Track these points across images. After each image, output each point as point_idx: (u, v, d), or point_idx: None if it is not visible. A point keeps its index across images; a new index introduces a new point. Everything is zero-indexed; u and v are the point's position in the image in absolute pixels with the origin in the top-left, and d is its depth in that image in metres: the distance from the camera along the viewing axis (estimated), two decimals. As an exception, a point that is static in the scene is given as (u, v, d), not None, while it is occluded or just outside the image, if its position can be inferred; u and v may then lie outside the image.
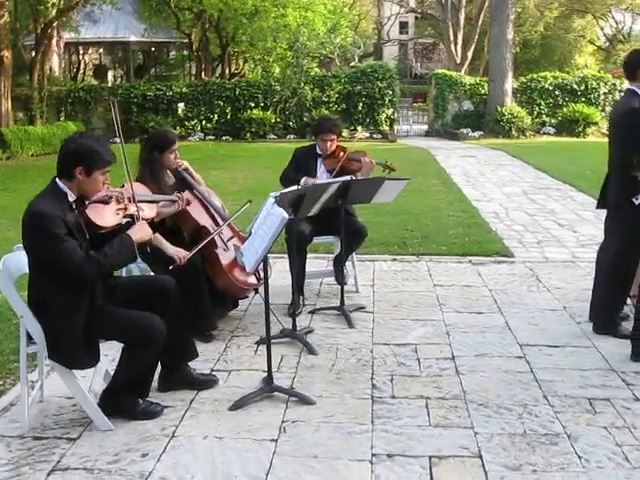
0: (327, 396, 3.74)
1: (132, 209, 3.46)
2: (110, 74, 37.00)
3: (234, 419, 3.51)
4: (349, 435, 3.32)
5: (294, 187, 4.24)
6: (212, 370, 4.13)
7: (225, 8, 20.19)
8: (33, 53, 20.45)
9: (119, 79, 34.54)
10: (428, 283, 5.80)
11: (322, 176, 5.29)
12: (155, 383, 3.83)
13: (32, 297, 3.30)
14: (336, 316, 5.01)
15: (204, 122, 21.49)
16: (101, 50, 36.46)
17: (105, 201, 3.41)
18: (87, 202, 3.34)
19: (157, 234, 4.50)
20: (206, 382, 3.87)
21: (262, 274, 4.76)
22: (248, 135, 20.50)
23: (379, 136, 20.42)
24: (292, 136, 20.40)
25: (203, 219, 4.69)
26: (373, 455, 3.14)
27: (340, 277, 5.44)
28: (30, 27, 21.16)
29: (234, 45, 23.26)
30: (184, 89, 21.45)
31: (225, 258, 4.62)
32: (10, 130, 16.07)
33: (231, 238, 4.76)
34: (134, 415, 3.50)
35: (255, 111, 20.73)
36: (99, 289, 3.43)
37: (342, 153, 5.28)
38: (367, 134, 20.47)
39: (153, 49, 32.81)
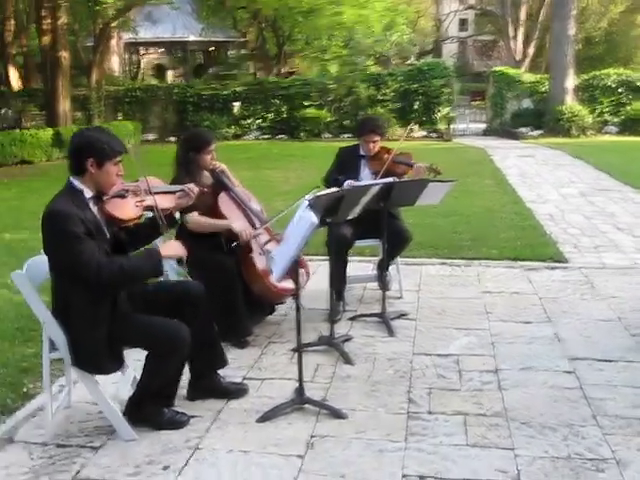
0: (360, 409, 3.57)
1: (150, 201, 3.37)
2: (170, 74, 37.55)
3: (261, 432, 3.36)
4: (380, 453, 3.14)
5: (332, 189, 4.07)
6: (244, 378, 4.01)
7: (280, 6, 20.14)
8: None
9: (178, 79, 34.97)
10: (476, 289, 5.56)
11: (366, 178, 5.10)
12: (184, 391, 3.75)
13: (54, 302, 3.22)
14: (377, 323, 4.83)
15: (259, 121, 21.57)
16: (161, 50, 37.09)
17: (122, 195, 3.33)
18: (105, 198, 3.25)
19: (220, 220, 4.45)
20: (236, 391, 3.75)
21: (299, 279, 4.65)
22: (303, 134, 20.43)
23: (435, 135, 20.07)
24: (347, 135, 20.21)
25: (238, 222, 4.56)
26: (404, 476, 2.95)
27: (382, 282, 5.25)
28: (90, 28, 21.50)
29: (290, 44, 23.19)
30: (240, 88, 21.53)
31: (261, 262, 4.48)
32: (67, 129, 16.36)
33: (268, 242, 4.62)
34: (159, 425, 3.40)
35: (310, 110, 20.66)
36: (124, 295, 3.35)
37: (387, 155, 5.08)
38: (423, 133, 20.17)
39: (212, 48, 33.13)
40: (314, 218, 3.28)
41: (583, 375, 3.89)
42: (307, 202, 3.58)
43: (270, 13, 22.16)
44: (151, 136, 21.30)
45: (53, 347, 3.28)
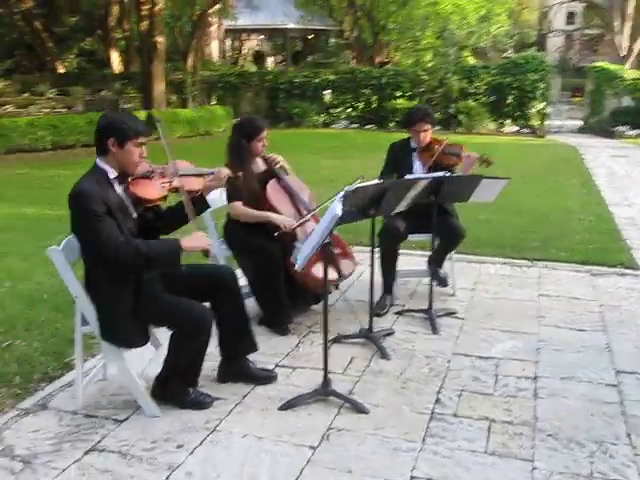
0: (384, 406, 3.50)
1: (176, 182, 3.41)
2: (270, 60, 38.05)
3: (280, 420, 3.36)
4: (394, 452, 3.07)
5: (375, 181, 3.99)
6: (277, 365, 4.01)
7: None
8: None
9: (277, 65, 35.38)
10: (533, 292, 5.34)
11: (418, 171, 4.99)
12: (215, 373, 3.80)
13: (85, 278, 3.32)
14: (422, 320, 4.73)
15: (349, 110, 21.50)
16: (261, 37, 37.63)
17: (148, 176, 3.40)
18: (130, 178, 3.32)
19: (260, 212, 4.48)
20: (264, 378, 3.76)
21: (344, 269, 4.61)
22: (392, 124, 20.23)
23: (527, 131, 19.43)
24: (437, 127, 19.84)
25: (285, 210, 4.56)
26: (412, 478, 2.88)
27: (436, 278, 5.14)
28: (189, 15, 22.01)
29: (384, 34, 22.99)
30: (331, 76, 21.52)
31: (305, 251, 4.46)
32: (160, 113, 16.84)
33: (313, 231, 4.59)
34: (183, 404, 3.46)
35: (401, 100, 20.40)
36: (155, 274, 3.41)
37: (437, 146, 4.95)
38: (515, 128, 19.57)
39: (311, 36, 33.33)
40: (338, 210, 3.23)
41: (627, 390, 3.67)
42: (342, 193, 3.53)
43: (365, 2, 22.08)
44: (242, 121, 21.62)
45: (85, 321, 3.38)
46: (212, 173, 3.66)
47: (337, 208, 3.24)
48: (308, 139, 17.70)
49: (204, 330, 3.27)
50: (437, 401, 3.56)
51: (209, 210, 4.73)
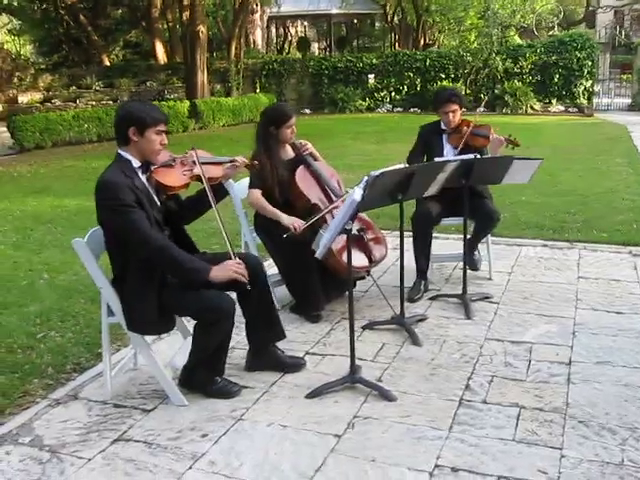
0: (412, 393, 3.45)
1: (197, 170, 3.44)
2: (315, 46, 37.94)
3: (306, 408, 3.34)
4: (418, 440, 3.02)
5: (399, 165, 3.92)
6: (307, 352, 3.99)
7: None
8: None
9: (322, 51, 35.31)
10: (572, 274, 5.20)
11: (448, 154, 4.89)
12: (244, 362, 3.81)
13: (112, 270, 3.35)
14: (456, 305, 4.65)
15: (393, 93, 21.29)
16: (305, 23, 37.51)
17: (170, 164, 3.45)
18: (153, 167, 3.35)
19: (271, 208, 4.45)
20: (292, 365, 3.75)
21: (376, 255, 4.56)
22: (436, 107, 19.91)
23: (575, 110, 18.91)
24: (482, 109, 19.49)
25: (314, 196, 4.52)
26: (436, 467, 2.82)
27: (469, 262, 5.05)
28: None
29: (428, 15, 22.63)
30: (374, 60, 21.33)
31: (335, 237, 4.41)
32: (203, 101, 16.97)
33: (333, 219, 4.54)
34: (210, 393, 3.47)
35: (445, 82, 20.09)
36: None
37: (466, 127, 4.84)
38: (561, 107, 19.08)
39: (355, 21, 33.06)
40: (357, 195, 3.18)
41: (665, 374, 3.54)
42: (366, 178, 3.48)
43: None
44: (286, 108, 21.62)
45: (111, 312, 3.41)
46: (230, 161, 3.66)
47: (356, 194, 3.19)
48: (351, 124, 17.60)
49: (225, 317, 3.26)
50: (467, 387, 3.49)
51: (240, 198, 4.80)
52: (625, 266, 5.34)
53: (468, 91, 19.99)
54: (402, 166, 3.91)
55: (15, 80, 22.46)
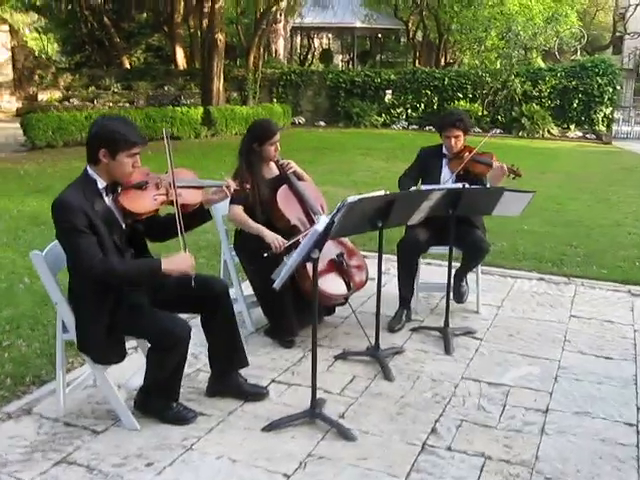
0: (374, 433, 3.28)
1: (170, 195, 3.23)
2: (339, 58, 37.93)
3: (260, 442, 3.18)
4: (371, 487, 2.86)
5: (380, 192, 3.77)
6: (274, 380, 3.84)
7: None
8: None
9: (345, 64, 35.30)
10: (564, 312, 5.00)
11: (445, 179, 4.73)
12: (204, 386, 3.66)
13: (69, 287, 3.22)
14: (437, 338, 4.47)
15: (410, 110, 21.14)
16: (330, 35, 37.54)
17: (141, 186, 3.21)
18: (120, 189, 3.17)
19: (254, 223, 4.31)
20: (253, 394, 3.59)
21: (354, 282, 4.39)
22: (452, 127, 19.73)
23: (593, 137, 18.65)
24: (498, 131, 19.31)
25: (294, 217, 4.37)
26: (385, 518, 2.66)
27: (456, 294, 4.89)
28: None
29: (449, 34, 22.50)
30: (392, 76, 21.20)
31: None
32: (217, 109, 16.93)
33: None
34: (164, 418, 3.32)
35: (462, 102, 19.92)
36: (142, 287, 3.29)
37: (467, 153, 4.68)
38: (579, 134, 18.82)
39: (380, 35, 33.03)
40: (320, 226, 3.02)
41: (645, 430, 3.35)
42: (339, 205, 3.33)
43: (434, 2, 21.66)
44: (302, 119, 21.58)
45: (66, 329, 3.28)
46: (215, 185, 3.48)
47: (320, 224, 3.03)
48: (363, 139, 17.47)
49: (179, 344, 3.11)
50: (433, 431, 3.31)
51: (221, 215, 4.66)
52: (621, 306, 5.14)
53: (485, 112, 19.81)
54: (382, 193, 3.75)
55: (36, 78, 22.58)
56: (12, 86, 21.57)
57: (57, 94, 22.10)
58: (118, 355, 3.21)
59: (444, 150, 4.84)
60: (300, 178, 4.56)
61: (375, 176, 11.68)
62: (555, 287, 5.63)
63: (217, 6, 16.65)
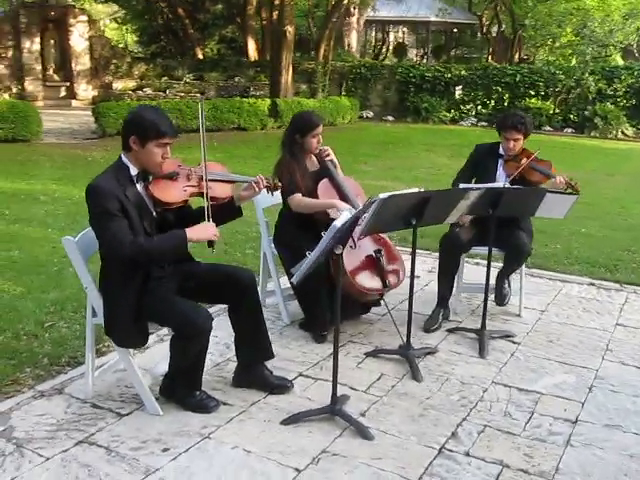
0: (392, 434, 3.24)
1: (201, 187, 3.27)
2: (414, 53, 37.56)
3: (277, 435, 3.20)
4: (381, 487, 2.83)
5: (414, 189, 3.72)
6: (301, 374, 3.84)
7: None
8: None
9: (420, 58, 34.90)
10: (610, 320, 4.82)
11: (500, 180, 4.61)
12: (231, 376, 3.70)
13: (100, 273, 3.30)
14: (473, 340, 4.38)
15: (479, 107, 20.75)
16: (405, 29, 37.22)
17: (172, 177, 3.27)
18: (153, 177, 3.23)
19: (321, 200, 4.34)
20: (277, 386, 3.60)
21: (390, 281, 4.35)
22: (522, 125, 19.24)
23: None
24: (570, 130, 18.77)
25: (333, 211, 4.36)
26: (390, 520, 2.63)
27: (497, 296, 4.78)
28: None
29: (523, 30, 21.96)
30: (463, 72, 20.85)
31: (350, 257, 4.24)
32: (284, 101, 17.02)
33: (361, 237, 4.36)
34: (187, 405, 3.38)
35: (534, 100, 19.44)
36: (169, 269, 3.35)
37: (525, 159, 4.54)
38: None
39: (455, 30, 32.52)
40: (339, 221, 2.99)
41: (677, 448, 3.19)
42: (369, 201, 3.31)
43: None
44: (370, 113, 21.48)
45: (95, 313, 3.37)
46: (245, 181, 3.50)
47: (339, 219, 3.01)
48: (429, 135, 17.27)
49: (200, 333, 3.15)
50: (453, 435, 3.25)
51: (262, 207, 4.69)
52: (672, 317, 4.92)
53: (557, 110, 19.25)
54: (416, 190, 3.70)
55: (112, 67, 23.20)
56: (89, 75, 22.21)
57: (131, 83, 22.65)
58: (141, 339, 3.28)
59: (501, 150, 4.73)
60: (334, 165, 4.54)
61: (437, 172, 11.54)
62: (605, 293, 5.43)
63: (287, -2, 16.73)
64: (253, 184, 3.45)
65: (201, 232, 3.18)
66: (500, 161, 4.75)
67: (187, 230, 3.16)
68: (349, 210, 3.11)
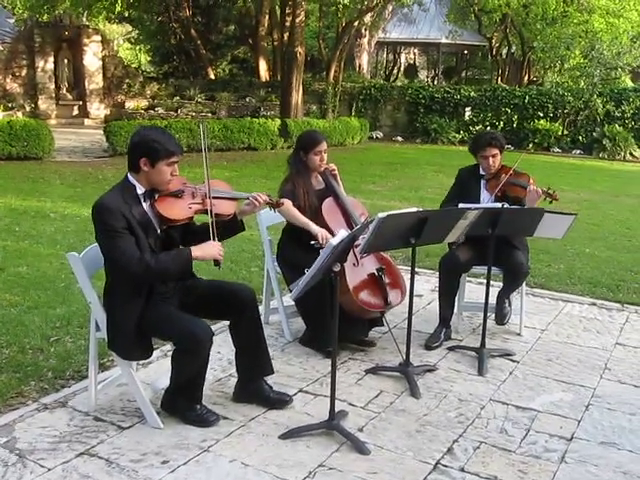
0: (388, 449, 3.29)
1: (205, 205, 3.36)
2: (424, 74, 37.80)
3: (275, 449, 3.25)
4: (376, 501, 2.87)
5: (412, 209, 3.79)
6: (301, 390, 3.90)
7: (524, 13, 19.21)
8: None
9: (431, 80, 35.10)
10: (610, 339, 4.85)
11: (485, 201, 4.69)
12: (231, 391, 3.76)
13: (104, 288, 3.38)
14: (472, 358, 4.42)
15: (488, 128, 20.78)
16: (416, 50, 37.50)
17: (177, 194, 3.36)
18: (158, 195, 3.32)
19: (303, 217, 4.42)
20: (276, 401, 3.65)
21: (391, 299, 4.40)
22: (530, 146, 19.35)
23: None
24: (578, 151, 18.83)
25: (337, 229, 4.41)
26: (383, 533, 2.67)
27: (497, 315, 4.82)
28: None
29: (532, 52, 22.10)
30: (472, 93, 20.97)
31: (352, 274, 4.31)
32: (294, 121, 17.16)
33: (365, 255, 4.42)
34: (187, 419, 3.44)
35: (542, 121, 19.52)
36: (171, 286, 3.42)
37: (504, 175, 4.62)
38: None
39: (465, 52, 32.74)
40: (335, 240, 3.06)
41: (672, 467, 3.22)
42: (367, 220, 3.38)
43: (519, 18, 21.35)
44: (380, 134, 21.62)
45: (99, 327, 3.45)
46: (247, 198, 3.58)
47: (336, 238, 3.08)
48: (437, 155, 17.34)
49: (201, 347, 3.22)
50: (449, 451, 3.29)
51: (265, 225, 4.78)
52: (673, 337, 4.95)
53: (566, 132, 19.32)
54: (415, 210, 3.78)
55: (124, 86, 23.48)
56: (101, 94, 22.50)
57: (143, 102, 22.89)
58: (143, 353, 3.36)
59: (481, 171, 4.80)
60: (337, 180, 4.63)
61: (444, 193, 11.55)
62: (606, 313, 5.46)
63: (298, 20, 16.93)
64: (252, 199, 3.54)
65: (206, 251, 3.26)
66: (482, 182, 4.82)
67: (192, 248, 3.24)
68: (345, 229, 3.17)
